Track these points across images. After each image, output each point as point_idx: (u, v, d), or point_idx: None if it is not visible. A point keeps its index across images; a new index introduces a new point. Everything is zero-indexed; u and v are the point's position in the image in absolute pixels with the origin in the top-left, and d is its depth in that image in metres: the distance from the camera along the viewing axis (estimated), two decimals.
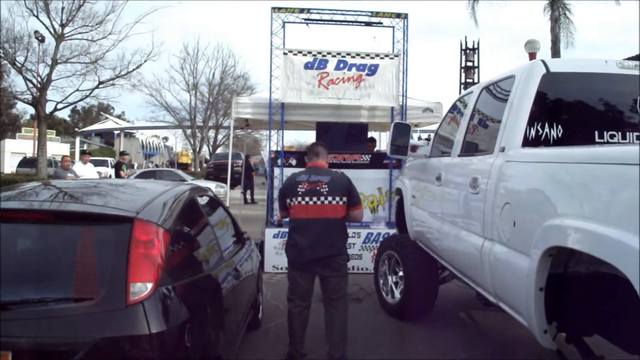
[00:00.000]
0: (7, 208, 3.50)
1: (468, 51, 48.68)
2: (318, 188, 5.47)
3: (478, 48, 48.44)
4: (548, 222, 3.22)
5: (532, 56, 16.80)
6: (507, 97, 4.48)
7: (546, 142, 4.14)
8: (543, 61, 4.35)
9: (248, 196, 24.56)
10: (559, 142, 4.13)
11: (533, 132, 4.14)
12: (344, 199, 5.48)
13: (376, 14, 10.62)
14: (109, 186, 4.73)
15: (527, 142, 4.12)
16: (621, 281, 2.98)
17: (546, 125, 4.16)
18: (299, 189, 5.51)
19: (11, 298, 3.02)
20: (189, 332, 3.28)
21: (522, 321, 3.72)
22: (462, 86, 49.29)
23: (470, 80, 49.20)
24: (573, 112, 4.40)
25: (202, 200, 4.92)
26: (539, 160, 3.79)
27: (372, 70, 10.28)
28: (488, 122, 5.13)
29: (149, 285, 3.12)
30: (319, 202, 5.45)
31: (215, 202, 5.53)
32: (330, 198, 5.42)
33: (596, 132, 4.19)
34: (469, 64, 49.02)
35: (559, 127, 4.17)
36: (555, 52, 21.85)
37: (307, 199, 5.48)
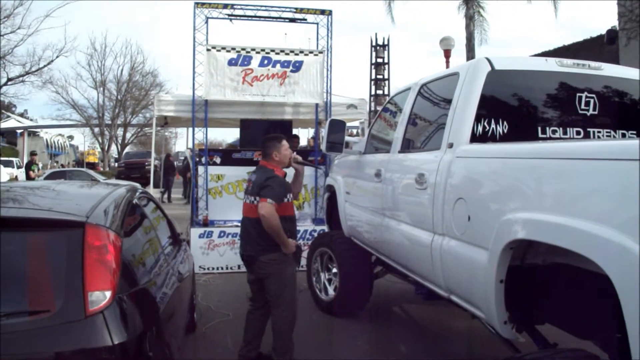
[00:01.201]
0: None
1: (378, 48, 49.53)
2: (249, 187, 5.54)
3: (388, 45, 49.36)
4: (507, 216, 3.27)
5: (447, 53, 17.29)
6: (451, 94, 4.53)
7: (493, 138, 4.22)
8: (488, 59, 4.42)
9: (166, 195, 24.14)
10: (504, 138, 4.22)
11: (480, 129, 4.21)
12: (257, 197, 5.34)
13: (300, 10, 10.57)
14: (40, 190, 4.49)
15: (475, 138, 4.18)
16: (574, 270, 3.09)
17: (492, 121, 4.24)
18: (246, 187, 5.63)
19: None
20: (149, 340, 3.16)
21: (478, 313, 3.78)
22: (373, 82, 50.15)
23: (381, 77, 50.13)
24: (517, 108, 4.50)
25: (141, 202, 4.75)
26: (492, 156, 3.85)
27: (297, 66, 10.25)
28: (431, 119, 5.18)
29: (107, 294, 2.97)
30: (247, 201, 5.48)
31: (151, 203, 5.36)
32: (252, 197, 5.38)
33: (539, 128, 4.31)
34: (379, 60, 49.87)
35: (505, 123, 4.26)
36: (470, 49, 22.43)
37: (244, 197, 5.57)
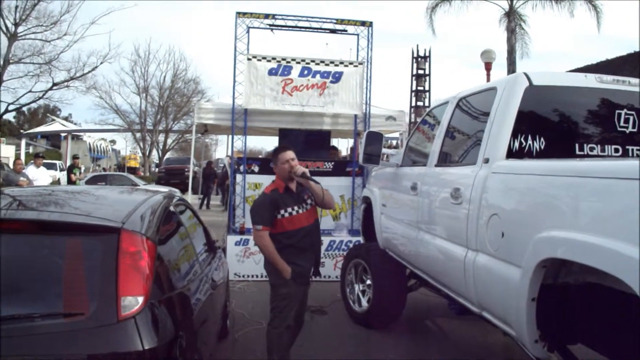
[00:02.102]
0: None
1: (420, 59, 49.49)
2: None
3: (429, 56, 49.34)
4: (542, 234, 3.24)
5: (488, 65, 17.13)
6: (489, 108, 4.51)
7: (529, 154, 4.18)
8: (526, 74, 4.39)
9: (205, 202, 24.41)
10: (541, 154, 4.18)
11: (517, 144, 4.18)
12: None
13: (341, 22, 10.63)
14: (80, 194, 4.58)
15: (511, 154, 4.15)
16: (607, 290, 3.04)
17: (529, 137, 4.20)
18: None
19: None
20: (179, 347, 3.19)
21: (510, 331, 3.74)
22: (413, 93, 50.08)
23: (422, 88, 50.11)
24: (555, 124, 4.46)
25: (177, 209, 4.81)
26: (528, 173, 3.81)
27: (337, 77, 10.29)
28: (467, 133, 5.16)
29: (140, 299, 3.01)
30: None
31: (188, 210, 5.42)
32: None
33: (577, 145, 4.26)
34: (420, 71, 49.83)
35: (542, 139, 4.22)
36: (511, 62, 22.27)
37: None
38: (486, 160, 4.25)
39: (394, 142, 18.81)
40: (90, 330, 2.84)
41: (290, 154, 5.35)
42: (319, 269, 5.57)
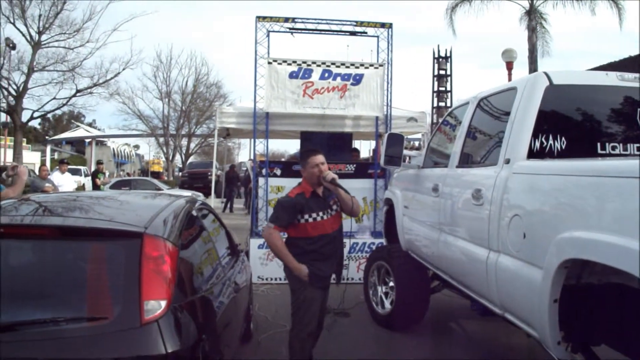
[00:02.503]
0: (9, 223, 3.39)
1: (441, 59, 49.31)
2: None
3: (450, 56, 49.17)
4: (564, 235, 3.22)
5: (509, 65, 17.01)
6: (509, 108, 4.49)
7: (550, 154, 4.15)
8: (546, 73, 4.37)
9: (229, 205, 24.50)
10: (562, 154, 4.15)
11: (537, 144, 4.16)
12: None
13: (361, 24, 10.62)
14: (103, 200, 4.64)
15: (532, 154, 4.13)
16: (631, 291, 3.01)
17: (550, 137, 4.18)
18: None
19: (20, 318, 2.92)
20: (202, 350, 3.22)
21: (532, 332, 3.72)
22: (435, 94, 49.89)
23: (443, 88, 49.91)
24: (576, 124, 4.43)
25: (199, 213, 4.85)
26: (548, 173, 3.79)
27: (357, 79, 10.29)
28: (488, 134, 5.14)
29: (163, 303, 3.05)
30: None
31: (211, 214, 5.46)
32: None
33: (598, 144, 4.23)
34: (442, 72, 49.64)
35: (563, 139, 4.19)
36: (533, 61, 22.13)
37: None
38: (507, 161, 4.23)
39: (417, 143, 18.73)
40: (113, 334, 2.89)
41: (320, 158, 5.24)
42: (341, 276, 5.52)
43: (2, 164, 36.77)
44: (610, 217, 2.99)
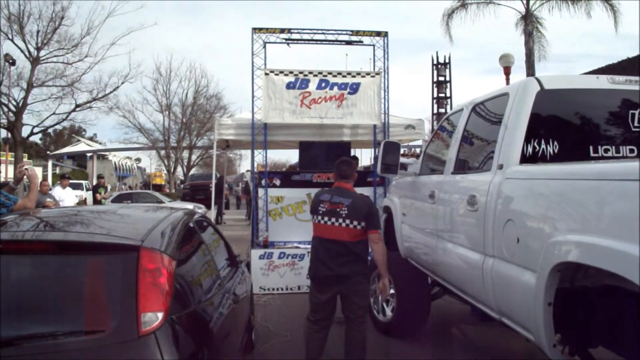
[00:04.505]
0: (8, 239, 3.42)
1: (440, 66, 49.39)
2: (338, 210, 5.56)
3: (449, 63, 49.20)
4: (556, 238, 3.25)
5: (507, 70, 17.06)
6: (502, 114, 4.53)
7: (543, 159, 4.19)
8: (537, 78, 4.41)
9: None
10: (555, 158, 4.18)
11: (530, 149, 4.19)
12: (362, 223, 5.51)
13: (356, 33, 10.70)
14: (102, 214, 4.68)
15: (525, 159, 4.17)
16: (627, 293, 3.03)
17: (542, 141, 4.21)
18: (320, 208, 5.63)
19: (17, 333, 2.93)
20: None
21: (529, 335, 3.75)
22: (435, 100, 49.96)
23: (443, 95, 49.95)
24: (568, 127, 4.46)
25: (197, 225, 4.88)
26: (540, 177, 3.83)
27: (354, 88, 10.35)
28: (482, 140, 5.18)
29: (160, 315, 3.07)
30: (336, 224, 5.54)
31: (209, 226, 5.50)
32: (347, 221, 5.50)
33: (591, 147, 4.25)
34: (441, 78, 49.71)
35: (555, 143, 4.22)
36: (530, 66, 22.20)
37: (325, 218, 5.59)
38: (500, 166, 4.27)
39: (417, 150, 18.75)
40: (111, 346, 2.91)
41: None
42: None
43: (3, 180, 36.87)
44: (599, 220, 3.02)
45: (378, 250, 5.63)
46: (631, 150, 4.28)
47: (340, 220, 5.52)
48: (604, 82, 4.47)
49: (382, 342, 7.04)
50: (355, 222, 5.49)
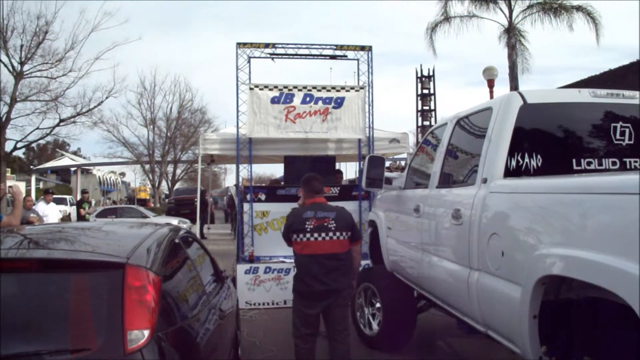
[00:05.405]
0: None
1: (424, 79, 49.57)
2: (326, 224, 5.59)
3: (433, 75, 49.37)
4: (540, 252, 3.28)
5: (490, 82, 17.18)
6: (485, 128, 4.57)
7: (527, 172, 4.22)
8: (520, 93, 4.46)
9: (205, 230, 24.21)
10: (539, 172, 4.22)
11: (514, 163, 4.23)
12: (349, 233, 5.65)
13: (341, 47, 10.73)
14: (87, 231, 4.66)
15: (509, 173, 4.20)
16: (610, 305, 3.06)
17: (526, 155, 4.25)
18: (306, 226, 5.59)
19: (2, 352, 2.89)
20: None
21: (515, 348, 3.77)
22: (419, 113, 50.10)
23: (427, 107, 50.05)
24: (551, 141, 4.50)
25: (183, 241, 4.87)
26: (524, 191, 3.86)
27: (339, 103, 10.38)
28: (466, 154, 5.22)
29: (146, 333, 3.06)
30: (327, 238, 5.57)
31: (194, 242, 5.48)
32: (338, 233, 5.58)
33: (574, 160, 4.30)
34: (425, 91, 49.86)
35: (538, 156, 4.26)
36: (513, 78, 22.39)
37: (315, 235, 5.58)
38: (484, 180, 4.30)
39: (403, 163, 18.81)
40: None
41: None
42: None
43: None
44: (583, 234, 3.06)
45: (358, 261, 5.99)
46: (614, 163, 4.34)
47: (331, 233, 5.56)
48: (586, 96, 4.53)
49: (368, 356, 7.03)
50: (344, 233, 5.59)
